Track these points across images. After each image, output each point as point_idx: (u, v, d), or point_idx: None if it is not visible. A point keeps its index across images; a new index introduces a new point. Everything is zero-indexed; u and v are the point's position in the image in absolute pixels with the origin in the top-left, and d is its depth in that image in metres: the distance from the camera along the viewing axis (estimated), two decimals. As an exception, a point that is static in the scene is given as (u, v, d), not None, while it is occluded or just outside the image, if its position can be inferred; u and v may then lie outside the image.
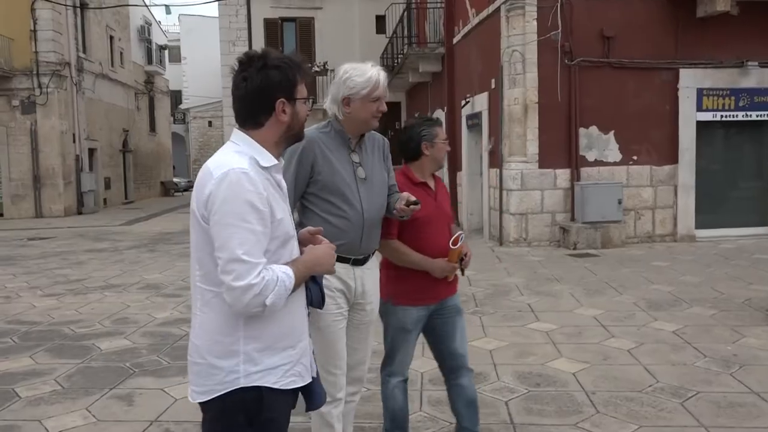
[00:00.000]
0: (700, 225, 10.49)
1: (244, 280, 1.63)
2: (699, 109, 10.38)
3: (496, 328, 5.50)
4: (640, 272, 7.92)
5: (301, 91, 1.85)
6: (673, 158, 10.42)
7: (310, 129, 2.53)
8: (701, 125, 10.43)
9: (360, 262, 2.66)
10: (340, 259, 2.45)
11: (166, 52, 32.83)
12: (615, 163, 10.36)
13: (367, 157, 2.70)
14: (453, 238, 2.84)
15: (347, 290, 2.63)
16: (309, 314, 1.97)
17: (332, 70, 20.35)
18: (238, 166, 1.69)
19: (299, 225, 2.31)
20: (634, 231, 10.37)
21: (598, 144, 10.28)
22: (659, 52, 10.24)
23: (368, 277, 2.71)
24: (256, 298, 1.64)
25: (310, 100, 1.90)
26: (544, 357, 4.71)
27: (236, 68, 1.82)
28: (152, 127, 29.65)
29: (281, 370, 1.77)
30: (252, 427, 1.75)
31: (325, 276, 2.14)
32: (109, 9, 23.07)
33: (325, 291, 2.04)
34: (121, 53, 25.17)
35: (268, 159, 1.79)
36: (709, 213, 10.57)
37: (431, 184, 2.97)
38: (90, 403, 3.95)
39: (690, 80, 10.30)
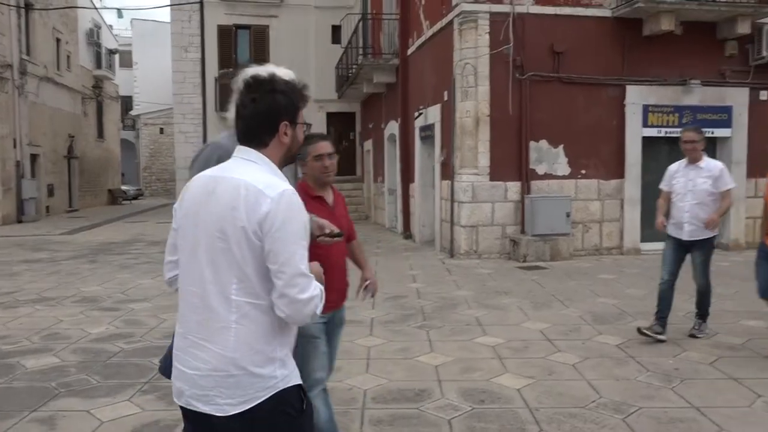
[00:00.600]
0: (645, 238, 10.71)
1: (307, 293, 1.77)
2: (645, 125, 10.64)
3: (443, 343, 5.42)
4: (587, 285, 7.99)
5: (301, 116, 1.97)
6: (620, 173, 10.63)
7: (219, 136, 2.45)
8: (647, 141, 10.68)
9: None
10: None
11: (117, 56, 32.01)
12: (564, 177, 10.50)
13: None
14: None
15: None
16: None
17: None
18: (288, 188, 1.81)
19: None
20: (582, 244, 10.52)
21: (548, 157, 10.41)
22: (607, 69, 10.46)
23: None
24: (313, 308, 1.79)
25: (309, 126, 2.05)
26: (489, 372, 4.65)
27: (243, 88, 1.92)
28: (100, 133, 28.77)
29: (296, 370, 1.92)
30: (301, 418, 1.88)
31: None
32: (56, 11, 22.32)
33: None
34: (68, 56, 24.36)
35: (285, 179, 1.89)
36: (654, 227, 10.78)
37: (328, 198, 2.97)
38: (6, 428, 3.68)
39: (636, 97, 10.55)
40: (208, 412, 1.80)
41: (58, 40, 23.26)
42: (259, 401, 1.79)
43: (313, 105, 20.36)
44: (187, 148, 20.08)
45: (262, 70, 2.21)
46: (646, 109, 10.60)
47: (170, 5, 20.08)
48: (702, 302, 5.64)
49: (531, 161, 10.32)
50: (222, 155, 2.21)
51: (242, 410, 1.78)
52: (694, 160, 5.48)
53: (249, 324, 1.78)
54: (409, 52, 13.28)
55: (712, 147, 11.21)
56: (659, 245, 10.72)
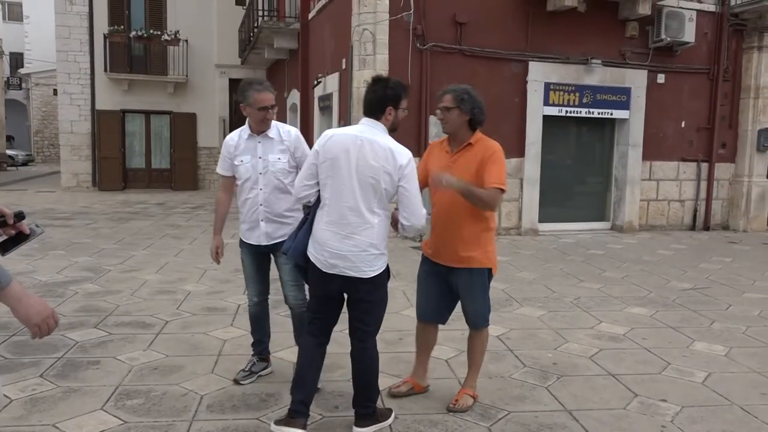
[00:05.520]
0: (543, 219, 10.57)
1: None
2: (546, 103, 10.40)
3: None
4: (479, 268, 7.65)
5: (403, 103, 3.14)
6: (520, 151, 10.37)
7: None
8: (548, 119, 10.46)
9: None
10: None
11: (0, 7, 29.05)
12: (464, 154, 10.10)
13: None
14: None
15: None
16: None
17: (185, 40, 18.81)
18: (408, 151, 3.05)
19: None
20: (480, 223, 10.21)
21: (449, 133, 9.97)
22: (510, 44, 10.11)
23: None
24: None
25: (407, 109, 3.22)
26: (348, 372, 4.11)
27: (371, 82, 3.13)
28: (-22, 92, 26.09)
29: None
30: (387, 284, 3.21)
31: None
32: None
33: None
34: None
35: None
36: (552, 207, 10.69)
37: None
38: None
39: (538, 74, 10.28)
40: (356, 276, 2.99)
41: None
42: (382, 270, 3.07)
43: (215, 70, 19.17)
44: (72, 111, 18.39)
45: None
46: (548, 87, 10.36)
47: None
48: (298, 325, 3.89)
49: (430, 136, 9.86)
50: None
51: (375, 274, 3.03)
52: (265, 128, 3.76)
53: (380, 224, 3.03)
54: (311, 15, 12.47)
55: (610, 128, 11.20)
56: (557, 226, 10.70)
